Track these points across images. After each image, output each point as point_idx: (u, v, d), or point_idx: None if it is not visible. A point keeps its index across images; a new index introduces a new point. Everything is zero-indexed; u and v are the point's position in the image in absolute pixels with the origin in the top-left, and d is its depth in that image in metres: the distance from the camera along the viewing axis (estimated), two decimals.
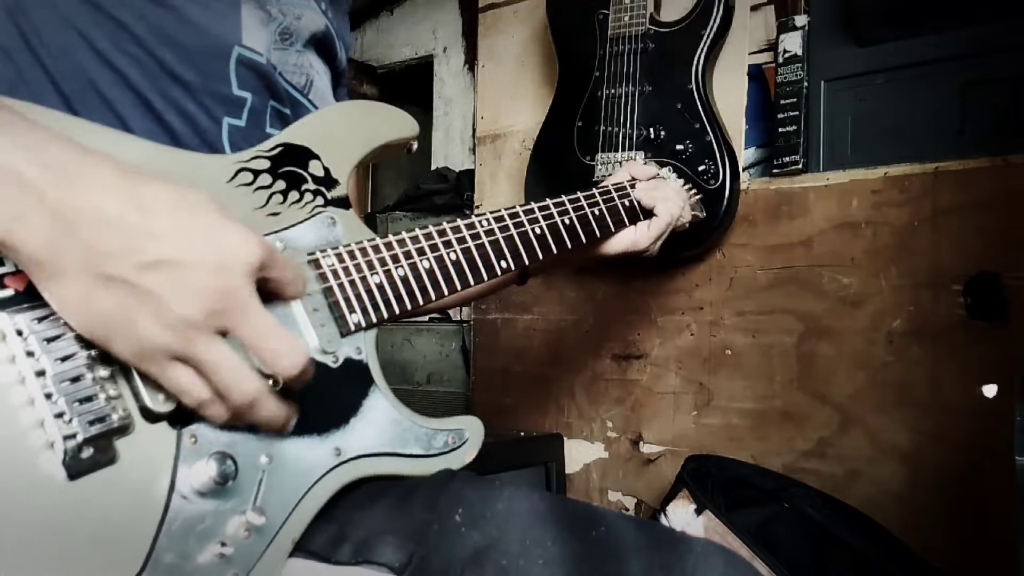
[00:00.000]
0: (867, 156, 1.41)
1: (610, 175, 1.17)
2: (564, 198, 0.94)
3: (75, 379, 0.50)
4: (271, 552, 0.57)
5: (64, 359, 0.50)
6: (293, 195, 0.68)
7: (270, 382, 0.54)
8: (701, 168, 1.44)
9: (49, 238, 0.47)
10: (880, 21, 1.39)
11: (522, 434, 1.71)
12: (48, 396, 0.49)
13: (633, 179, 1.10)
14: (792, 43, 1.48)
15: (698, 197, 1.23)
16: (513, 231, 0.84)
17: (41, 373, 0.49)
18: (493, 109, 1.96)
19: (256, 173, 0.66)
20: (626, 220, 1.03)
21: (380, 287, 0.69)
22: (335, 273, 0.67)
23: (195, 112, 0.73)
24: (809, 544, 1.23)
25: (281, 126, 0.79)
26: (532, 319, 1.83)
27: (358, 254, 0.69)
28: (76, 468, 0.49)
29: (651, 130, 1.49)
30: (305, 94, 0.86)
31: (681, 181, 1.19)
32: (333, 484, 0.63)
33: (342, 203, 0.71)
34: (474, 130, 2.49)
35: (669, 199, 1.07)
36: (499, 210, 0.84)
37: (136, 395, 0.53)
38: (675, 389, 1.60)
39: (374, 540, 0.62)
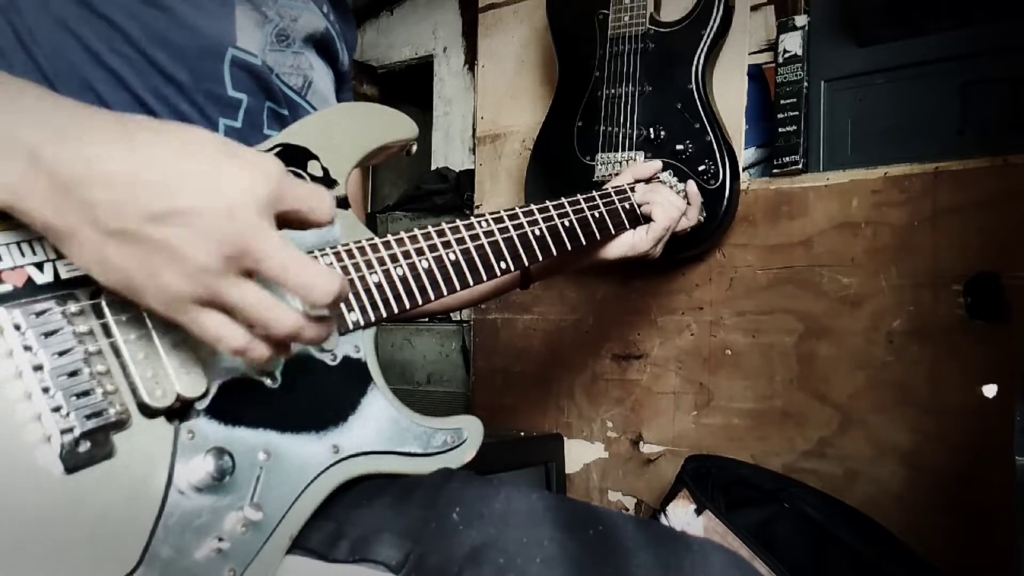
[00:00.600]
0: (867, 156, 1.41)
1: (610, 175, 1.17)
2: (564, 200, 0.94)
3: (72, 373, 0.50)
4: (268, 548, 0.57)
5: (61, 353, 0.50)
6: None
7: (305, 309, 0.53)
8: (701, 168, 1.43)
9: (51, 201, 0.47)
10: (880, 21, 1.39)
11: (522, 434, 1.71)
12: (45, 390, 0.49)
13: (634, 182, 1.10)
14: (792, 43, 1.48)
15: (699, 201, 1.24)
16: (512, 232, 0.84)
17: (39, 367, 0.49)
18: (493, 109, 1.96)
19: None
20: (626, 223, 1.04)
21: (379, 286, 0.69)
22: None
23: (189, 112, 0.73)
24: (809, 544, 1.23)
25: (279, 127, 0.80)
26: (532, 319, 1.83)
27: (356, 253, 0.69)
28: (73, 462, 0.49)
29: (651, 130, 1.49)
30: (303, 95, 0.87)
31: (681, 186, 1.19)
32: (331, 481, 0.63)
33: (341, 203, 0.71)
34: (474, 130, 2.49)
35: (667, 203, 1.07)
36: (499, 211, 0.84)
37: (134, 390, 0.53)
38: (675, 389, 1.60)
39: (372, 538, 0.62)
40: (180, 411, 0.55)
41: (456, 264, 0.76)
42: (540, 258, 0.87)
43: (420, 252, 0.73)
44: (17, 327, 0.49)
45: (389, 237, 0.72)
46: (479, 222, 0.81)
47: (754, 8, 1.59)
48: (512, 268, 0.83)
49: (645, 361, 1.64)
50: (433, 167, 2.81)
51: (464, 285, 0.77)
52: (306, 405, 0.62)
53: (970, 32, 1.31)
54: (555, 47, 1.66)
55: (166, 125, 0.51)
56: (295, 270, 0.50)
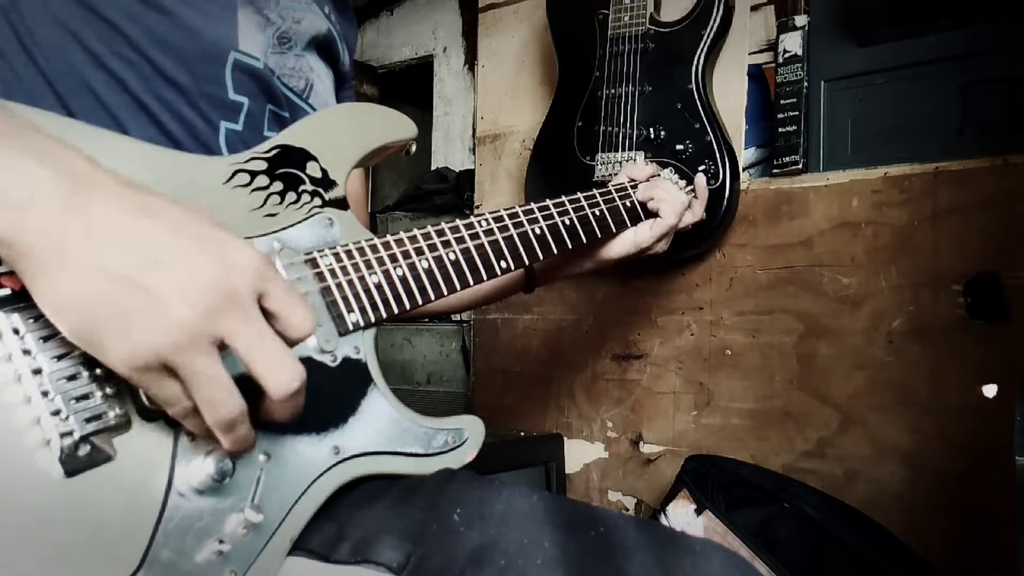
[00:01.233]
0: (867, 156, 1.41)
1: (610, 175, 1.17)
2: (564, 198, 0.94)
3: (71, 377, 0.50)
4: (269, 550, 0.57)
5: (60, 357, 0.50)
6: (290, 196, 0.68)
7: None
8: (701, 168, 1.43)
9: (57, 226, 0.45)
10: (880, 21, 1.39)
11: (522, 434, 1.71)
12: (44, 394, 0.49)
13: (633, 180, 1.10)
14: (792, 43, 1.48)
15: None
16: (513, 231, 0.84)
17: (37, 371, 0.49)
18: (493, 109, 1.96)
19: (253, 174, 0.66)
20: (627, 221, 1.03)
21: (379, 287, 0.69)
22: (333, 272, 0.67)
23: (190, 115, 0.73)
24: (809, 544, 1.23)
25: (280, 130, 0.79)
26: (532, 319, 1.83)
27: (356, 254, 0.69)
28: (73, 465, 0.49)
29: (651, 130, 1.49)
30: (304, 98, 0.86)
31: (683, 183, 1.19)
32: (332, 483, 0.63)
33: (340, 204, 0.71)
34: (474, 130, 2.49)
35: (671, 197, 1.07)
36: (499, 210, 0.84)
37: (133, 393, 0.53)
38: (675, 389, 1.60)
39: (373, 539, 0.62)
40: None
41: (456, 264, 0.76)
42: (541, 257, 0.87)
43: (420, 252, 0.73)
44: (16, 331, 0.49)
45: (389, 237, 0.72)
46: (479, 221, 0.81)
47: (754, 8, 1.59)
48: (513, 267, 0.82)
49: (645, 361, 1.64)
50: (433, 167, 2.81)
51: (464, 285, 0.76)
52: (307, 406, 0.61)
53: (970, 32, 1.31)
54: (555, 47, 1.66)
55: (169, 198, 0.51)
56: (267, 347, 0.50)
